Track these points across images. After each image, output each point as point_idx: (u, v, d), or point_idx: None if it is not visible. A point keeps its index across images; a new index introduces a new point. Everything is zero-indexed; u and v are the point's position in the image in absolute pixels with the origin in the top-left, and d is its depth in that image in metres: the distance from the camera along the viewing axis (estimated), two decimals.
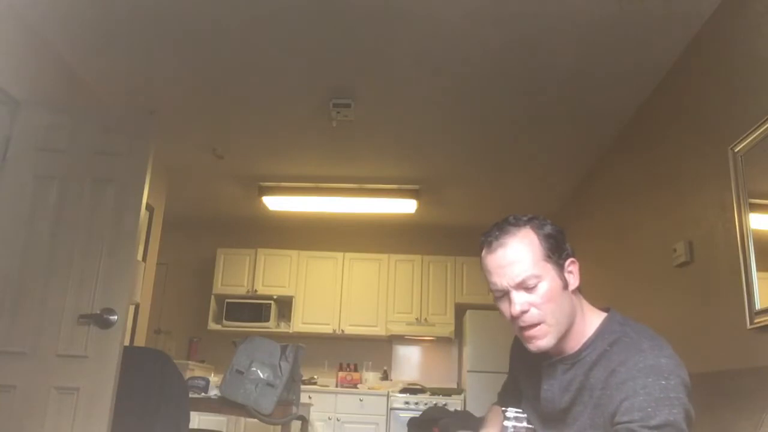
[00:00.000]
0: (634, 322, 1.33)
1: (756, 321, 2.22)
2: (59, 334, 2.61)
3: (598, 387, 1.26)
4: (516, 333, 1.36)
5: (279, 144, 4.49)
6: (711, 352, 2.46)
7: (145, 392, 2.67)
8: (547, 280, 1.29)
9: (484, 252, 1.38)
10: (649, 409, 1.15)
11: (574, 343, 1.33)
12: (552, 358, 1.36)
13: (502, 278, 1.32)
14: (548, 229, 1.34)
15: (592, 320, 1.35)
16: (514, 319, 1.31)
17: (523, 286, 1.30)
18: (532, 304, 1.29)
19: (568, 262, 1.33)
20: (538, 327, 1.29)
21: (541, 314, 1.29)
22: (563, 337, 1.33)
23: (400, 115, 3.97)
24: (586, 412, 1.28)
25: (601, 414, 1.24)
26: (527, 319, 1.30)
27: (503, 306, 1.33)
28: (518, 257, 1.31)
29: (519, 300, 1.29)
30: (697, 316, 2.71)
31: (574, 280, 1.33)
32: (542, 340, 1.30)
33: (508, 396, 1.60)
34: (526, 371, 1.48)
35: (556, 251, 1.32)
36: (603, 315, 1.36)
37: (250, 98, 3.79)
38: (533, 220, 1.35)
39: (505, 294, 1.32)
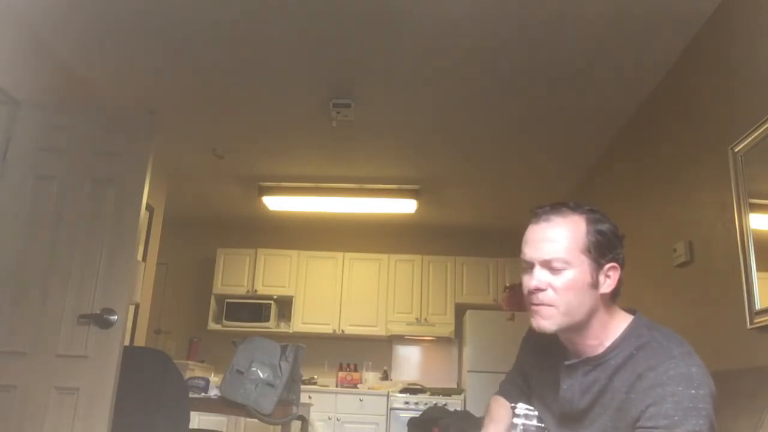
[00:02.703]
0: (661, 326, 1.32)
1: (756, 321, 2.22)
2: (59, 334, 2.60)
3: (622, 390, 1.25)
4: (527, 306, 1.35)
5: (279, 144, 4.49)
6: (711, 352, 2.45)
7: (145, 392, 2.67)
8: (576, 270, 1.28)
9: (530, 223, 1.36)
10: (676, 418, 1.14)
11: (597, 345, 1.32)
12: (573, 359, 1.35)
13: (533, 251, 1.32)
14: (604, 227, 1.31)
15: (617, 323, 1.33)
16: (529, 293, 1.31)
17: (549, 266, 1.29)
18: (551, 286, 1.28)
19: (609, 265, 1.30)
20: (547, 308, 1.29)
21: (555, 298, 1.28)
22: (580, 337, 1.32)
23: (400, 115, 3.97)
24: (606, 414, 1.27)
25: (623, 417, 1.23)
26: (541, 297, 1.29)
27: (525, 278, 1.33)
28: (557, 237, 1.30)
29: (539, 277, 1.29)
30: (697, 316, 2.71)
31: (607, 285, 1.30)
32: (546, 321, 1.29)
33: (514, 390, 1.58)
34: (541, 368, 1.47)
35: (600, 249, 1.29)
36: (629, 318, 1.34)
37: (250, 98, 3.79)
38: (592, 213, 1.33)
39: (531, 267, 1.32)
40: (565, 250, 1.28)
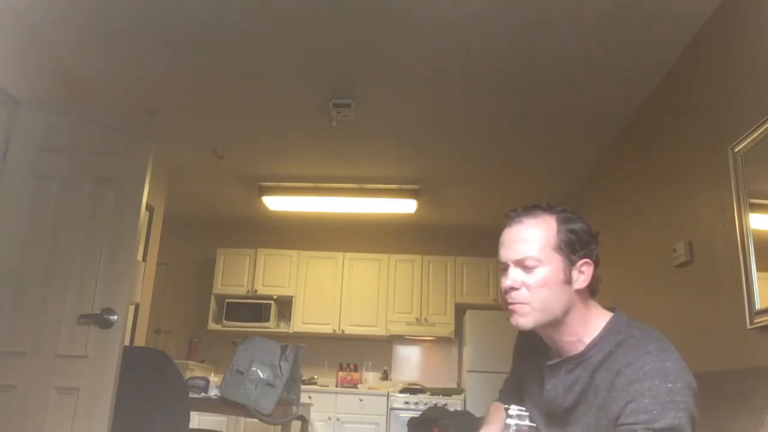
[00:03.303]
0: (639, 323, 1.34)
1: (756, 321, 2.22)
2: (59, 334, 2.61)
3: (603, 388, 1.26)
4: (504, 306, 1.39)
5: (279, 144, 4.49)
6: (711, 352, 2.46)
7: (146, 392, 2.67)
8: (548, 268, 1.31)
9: (504, 226, 1.40)
10: (655, 412, 1.15)
11: (576, 342, 1.33)
12: (555, 358, 1.37)
13: (507, 251, 1.36)
14: (576, 226, 1.35)
15: (597, 321, 1.34)
16: (505, 292, 1.35)
17: (521, 265, 1.33)
18: (524, 284, 1.32)
19: (582, 261, 1.33)
20: (522, 306, 1.32)
21: (529, 296, 1.31)
22: (558, 333, 1.34)
23: (400, 115, 3.97)
24: (590, 412, 1.29)
25: (606, 415, 1.25)
26: (514, 296, 1.33)
27: (502, 278, 1.37)
28: (528, 238, 1.34)
29: (513, 276, 1.33)
30: (697, 316, 2.71)
31: (581, 281, 1.33)
32: (522, 318, 1.33)
33: (509, 393, 1.61)
34: (529, 369, 1.49)
35: (572, 247, 1.32)
36: (608, 315, 1.36)
37: (250, 98, 3.79)
38: (563, 213, 1.36)
39: (506, 268, 1.36)
40: (538, 249, 1.32)
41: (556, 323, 1.33)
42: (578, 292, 1.33)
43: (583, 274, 1.33)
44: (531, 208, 1.39)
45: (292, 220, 6.18)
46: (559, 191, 4.96)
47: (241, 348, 3.07)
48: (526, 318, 1.32)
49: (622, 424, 1.19)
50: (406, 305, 6.10)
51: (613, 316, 1.35)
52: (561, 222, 1.34)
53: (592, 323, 1.34)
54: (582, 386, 1.31)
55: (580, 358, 1.32)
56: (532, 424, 1.39)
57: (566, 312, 1.32)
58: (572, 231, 1.34)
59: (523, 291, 1.32)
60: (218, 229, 6.50)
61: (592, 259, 1.34)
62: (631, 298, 3.35)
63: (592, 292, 1.36)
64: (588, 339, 1.33)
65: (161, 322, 6.18)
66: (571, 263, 1.32)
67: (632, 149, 3.77)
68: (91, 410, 2.50)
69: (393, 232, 6.31)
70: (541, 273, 1.31)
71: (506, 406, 1.45)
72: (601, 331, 1.33)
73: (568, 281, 1.32)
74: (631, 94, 3.49)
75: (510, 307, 1.34)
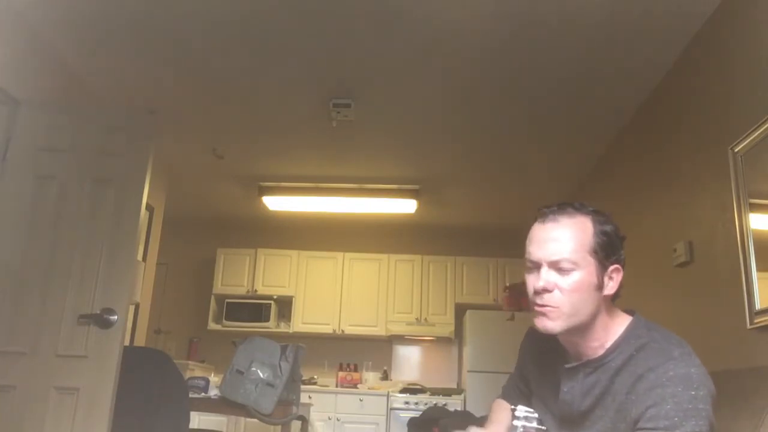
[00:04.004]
0: (659, 326, 1.32)
1: (756, 321, 2.22)
2: (59, 334, 2.60)
3: (622, 392, 1.24)
4: (531, 307, 1.33)
5: (279, 144, 4.49)
6: (711, 352, 2.45)
7: (145, 392, 2.67)
8: (583, 272, 1.27)
9: (535, 222, 1.35)
10: (676, 419, 1.14)
11: (597, 347, 1.31)
12: (573, 362, 1.35)
13: (539, 251, 1.30)
14: (608, 228, 1.31)
15: (617, 325, 1.32)
16: (535, 294, 1.30)
17: (556, 267, 1.28)
18: (557, 287, 1.28)
19: (612, 267, 1.30)
20: (553, 309, 1.28)
21: (561, 299, 1.27)
22: (582, 339, 1.32)
23: (400, 115, 3.97)
24: (606, 416, 1.27)
25: (623, 419, 1.23)
26: (547, 299, 1.28)
27: (530, 278, 1.32)
28: (564, 238, 1.29)
29: (546, 277, 1.28)
30: (697, 316, 2.71)
31: (611, 287, 1.30)
32: (551, 322, 1.28)
33: (513, 391, 1.58)
34: (540, 371, 1.47)
35: (605, 251, 1.29)
36: (628, 319, 1.34)
37: (250, 98, 3.79)
38: (597, 214, 1.33)
39: (537, 267, 1.31)
40: (573, 251, 1.27)
41: (582, 328, 1.30)
42: (604, 297, 1.31)
43: (612, 281, 1.30)
44: (564, 205, 1.34)
45: (292, 220, 6.18)
46: (558, 191, 4.95)
47: (241, 348, 3.07)
48: (554, 322, 1.28)
49: (640, 429, 1.17)
50: (406, 305, 6.10)
51: (633, 320, 1.33)
52: (596, 223, 1.31)
53: (612, 327, 1.32)
54: (601, 390, 1.29)
55: (600, 362, 1.30)
56: (540, 426, 1.37)
57: (592, 318, 1.29)
58: (605, 233, 1.30)
59: (556, 294, 1.28)
60: (218, 229, 6.50)
61: (621, 265, 1.32)
62: (631, 298, 3.33)
63: (614, 296, 1.33)
64: (608, 343, 1.31)
65: (161, 322, 6.18)
66: (603, 268, 1.29)
67: (632, 149, 3.76)
68: (91, 410, 2.50)
69: (393, 232, 6.31)
70: (575, 277, 1.27)
71: (513, 406, 1.43)
72: (622, 335, 1.30)
73: (600, 287, 1.29)
74: (631, 94, 3.49)
75: (539, 309, 1.30)
